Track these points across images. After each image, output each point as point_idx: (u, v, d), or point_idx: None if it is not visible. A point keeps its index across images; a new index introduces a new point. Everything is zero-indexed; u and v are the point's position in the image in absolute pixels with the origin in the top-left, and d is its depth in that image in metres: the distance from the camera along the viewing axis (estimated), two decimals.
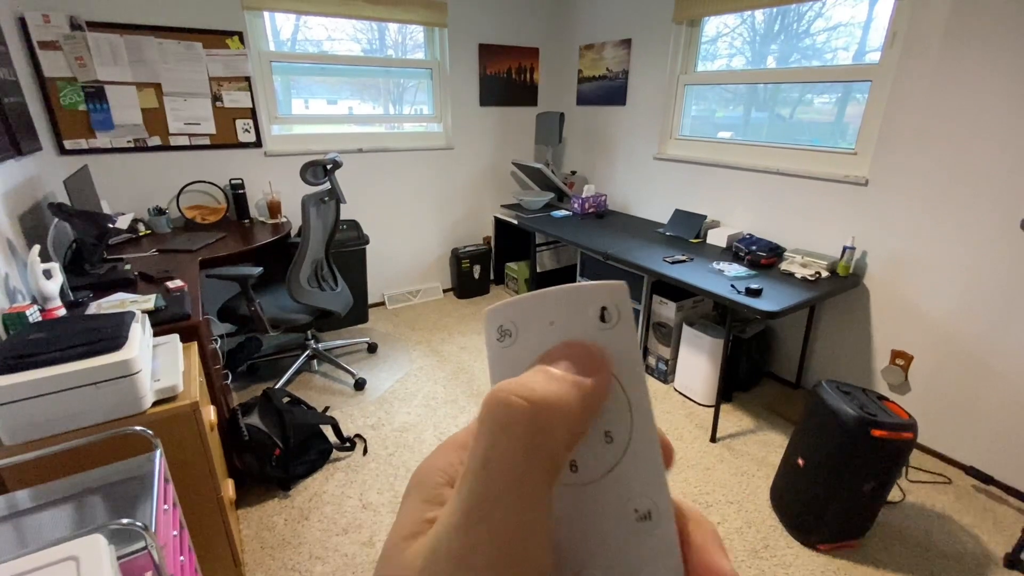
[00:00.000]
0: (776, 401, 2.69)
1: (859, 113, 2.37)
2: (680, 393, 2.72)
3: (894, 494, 2.05)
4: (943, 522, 1.94)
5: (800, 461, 1.82)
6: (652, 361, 2.89)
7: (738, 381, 2.73)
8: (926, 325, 2.24)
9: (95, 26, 2.49)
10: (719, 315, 2.89)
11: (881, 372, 2.42)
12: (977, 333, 2.09)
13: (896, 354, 2.36)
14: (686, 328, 2.60)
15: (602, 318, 0.17)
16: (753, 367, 2.77)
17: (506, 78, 3.88)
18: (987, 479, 2.10)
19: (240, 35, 2.83)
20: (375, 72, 3.53)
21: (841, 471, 1.69)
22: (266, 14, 2.97)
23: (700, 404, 2.62)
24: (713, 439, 2.37)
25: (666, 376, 2.82)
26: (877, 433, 1.61)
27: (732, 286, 2.23)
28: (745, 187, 2.87)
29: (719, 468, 2.20)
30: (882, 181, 2.29)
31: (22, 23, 2.36)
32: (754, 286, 2.16)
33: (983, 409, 2.12)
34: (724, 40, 3.03)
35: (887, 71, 2.22)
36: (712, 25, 3.04)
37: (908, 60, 2.13)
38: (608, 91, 3.67)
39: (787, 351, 2.83)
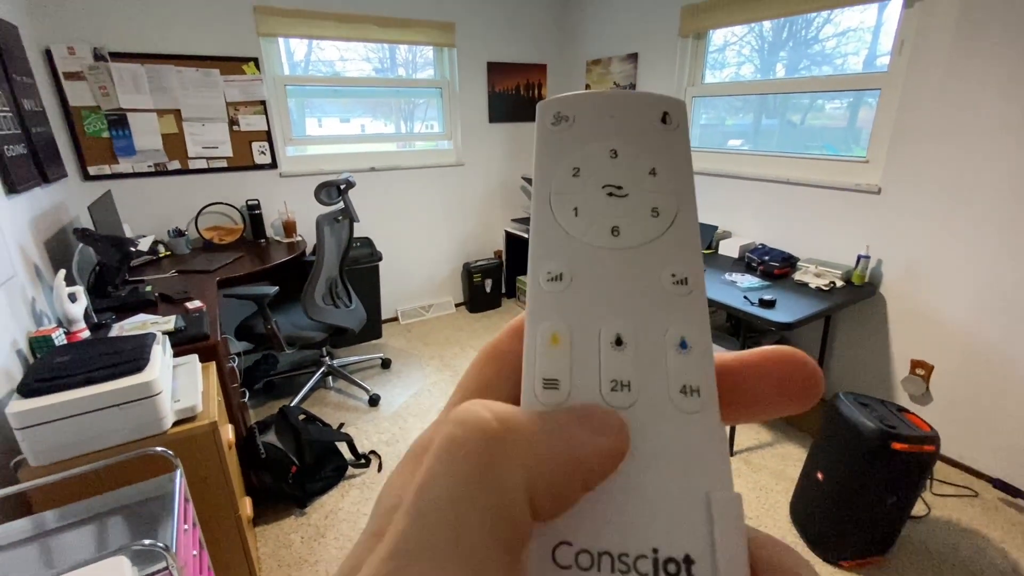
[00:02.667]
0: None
1: (871, 118, 2.35)
2: None
3: (918, 508, 2.00)
4: (970, 537, 1.89)
5: (820, 475, 1.79)
6: None
7: None
8: (945, 334, 2.20)
9: (118, 56, 2.59)
10: (733, 326, 2.86)
11: (901, 382, 2.37)
12: (997, 341, 2.05)
13: (916, 364, 2.31)
14: None
15: (663, 120, 0.17)
16: None
17: (514, 95, 3.93)
18: (1015, 492, 2.04)
19: (256, 61, 2.92)
20: (386, 92, 3.61)
21: (862, 485, 1.66)
22: (280, 40, 3.06)
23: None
24: (730, 453, 2.34)
25: None
26: (897, 446, 1.58)
27: (745, 297, 2.22)
28: (756, 197, 2.87)
29: (737, 483, 2.16)
30: (895, 189, 2.27)
31: (48, 55, 2.46)
32: (767, 297, 2.15)
33: (1008, 419, 2.07)
34: (732, 48, 3.05)
35: (896, 79, 2.21)
36: (719, 35, 3.06)
37: (917, 67, 2.12)
38: None
39: None
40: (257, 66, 2.92)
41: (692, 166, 0.17)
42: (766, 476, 2.20)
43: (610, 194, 0.17)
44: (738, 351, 0.16)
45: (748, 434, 2.47)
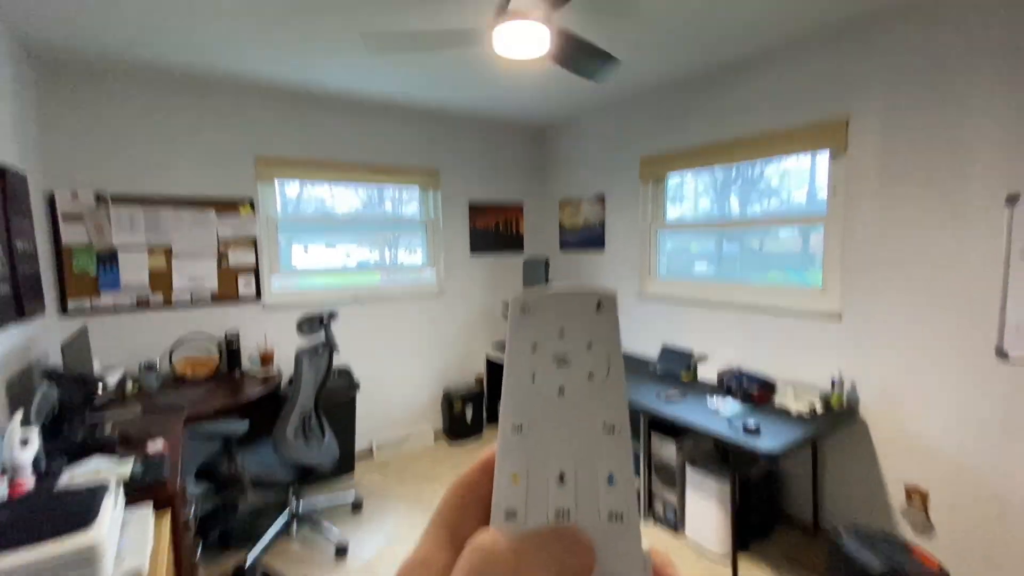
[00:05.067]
0: (796, 550, 2.48)
1: (822, 241, 2.56)
2: (693, 543, 2.51)
3: None
4: None
5: None
6: (660, 508, 2.71)
7: (752, 527, 2.54)
8: (932, 457, 2.18)
9: (119, 200, 2.74)
10: (721, 454, 2.78)
11: (901, 512, 2.28)
12: (985, 464, 2.03)
13: (910, 490, 2.25)
14: (690, 470, 2.49)
15: (597, 308, 0.22)
16: (766, 510, 2.60)
17: (494, 231, 4.21)
18: None
19: (252, 202, 3.11)
20: (375, 229, 3.83)
21: None
22: (277, 182, 3.30)
23: (715, 553, 2.40)
24: None
25: (676, 524, 2.62)
26: None
27: (729, 424, 2.20)
28: (726, 323, 2.98)
29: None
30: (854, 315, 2.41)
31: (51, 199, 2.59)
32: (751, 424, 2.13)
33: (1015, 549, 1.97)
34: (690, 184, 3.39)
35: (835, 217, 2.47)
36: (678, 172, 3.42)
37: (852, 207, 2.38)
38: (588, 238, 3.98)
39: (799, 491, 2.69)
40: (252, 206, 3.11)
41: (620, 341, 0.22)
42: None
43: (558, 363, 0.21)
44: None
45: (751, 573, 2.28)
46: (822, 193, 2.58)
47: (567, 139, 4.13)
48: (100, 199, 2.69)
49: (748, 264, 3.06)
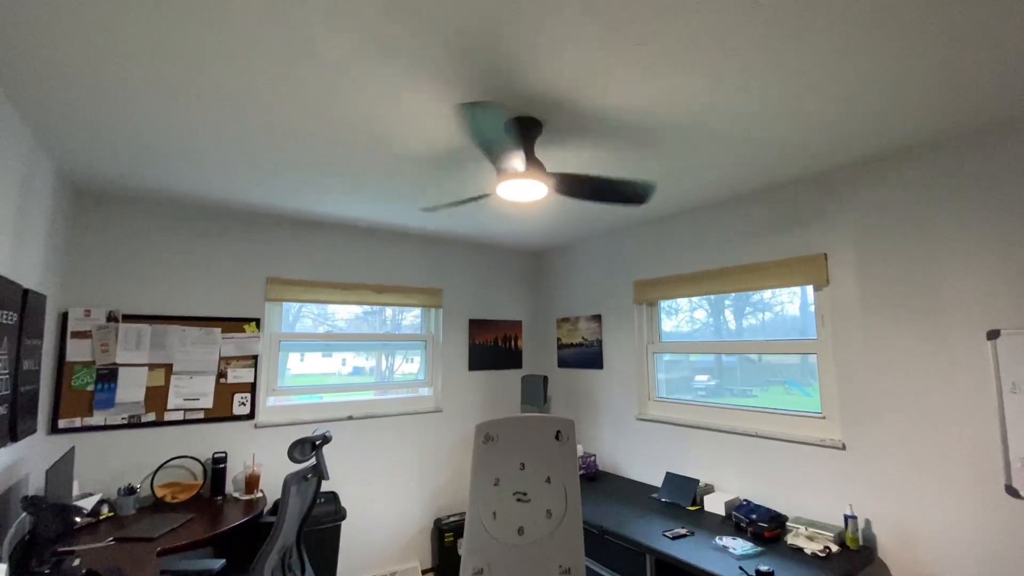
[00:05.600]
0: None
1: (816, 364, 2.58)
2: None
3: None
4: None
5: None
6: None
7: None
8: None
9: (129, 318, 2.83)
10: None
11: None
12: None
13: None
14: None
15: (556, 437, 0.24)
16: None
17: (493, 346, 4.26)
18: None
19: (258, 321, 3.20)
20: (375, 345, 3.89)
21: None
22: (284, 305, 3.42)
23: None
24: None
25: None
26: None
27: (741, 568, 2.05)
28: (730, 448, 2.91)
29: None
30: (858, 445, 2.37)
31: (64, 317, 2.67)
32: (764, 568, 1.99)
33: None
34: (684, 299, 3.50)
35: (826, 346, 2.54)
36: None
37: (840, 336, 2.46)
38: (585, 356, 4.02)
39: None
40: (258, 325, 3.19)
41: (577, 471, 0.27)
42: None
43: (518, 500, 0.25)
44: None
45: None
46: (813, 308, 2.66)
47: (564, 262, 4.35)
48: (111, 317, 2.78)
49: (748, 376, 3.06)
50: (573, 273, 4.24)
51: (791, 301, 2.92)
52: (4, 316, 1.84)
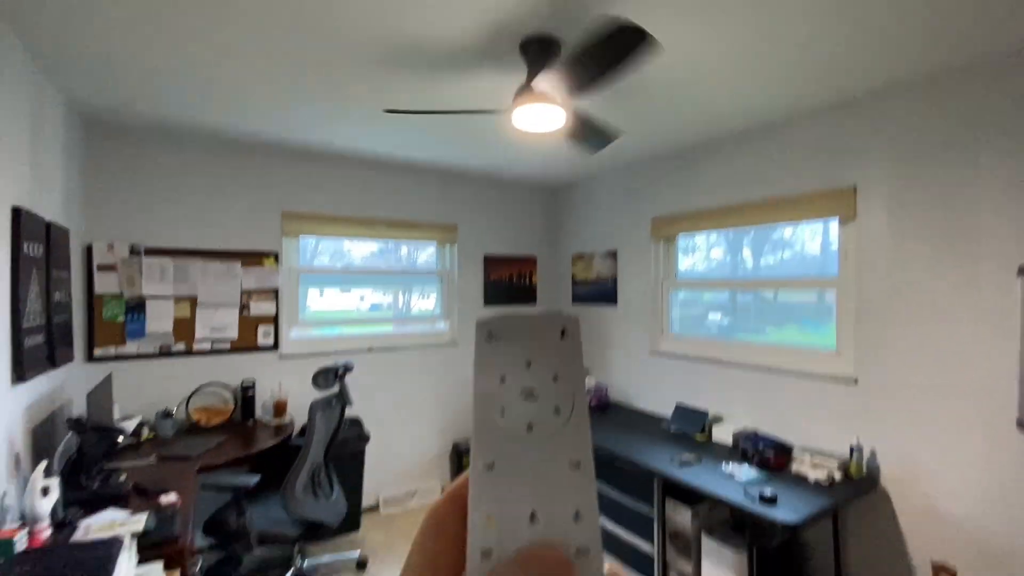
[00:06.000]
0: None
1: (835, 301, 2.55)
2: None
3: None
4: None
5: None
6: None
7: None
8: (959, 532, 2.10)
9: (151, 252, 2.87)
10: (736, 522, 2.70)
11: None
12: (1017, 546, 1.94)
13: (937, 567, 2.15)
14: (706, 539, 2.41)
15: (562, 335, 0.22)
16: None
17: (508, 282, 4.29)
18: None
19: (276, 255, 3.23)
20: (391, 281, 3.94)
21: None
22: (300, 238, 3.44)
23: None
24: None
25: None
26: None
27: (746, 492, 2.15)
28: (742, 382, 2.96)
29: None
30: (870, 380, 2.38)
31: (88, 250, 2.73)
32: (768, 492, 2.08)
33: None
34: (702, 236, 3.44)
35: (847, 282, 2.49)
36: None
37: (863, 272, 2.41)
38: (600, 292, 4.03)
39: (820, 562, 2.57)
40: (276, 259, 3.23)
41: (583, 370, 0.24)
42: None
43: (526, 397, 0.22)
44: None
45: None
46: (836, 246, 2.60)
47: (580, 197, 4.26)
48: (134, 251, 2.83)
49: (763, 315, 3.06)
50: (589, 209, 4.16)
51: (812, 240, 2.84)
52: (30, 248, 1.88)
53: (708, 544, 2.40)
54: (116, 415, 2.60)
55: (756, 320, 3.08)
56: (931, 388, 2.18)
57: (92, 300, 2.73)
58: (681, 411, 3.15)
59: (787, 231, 2.96)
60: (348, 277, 3.86)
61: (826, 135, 2.55)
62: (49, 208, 2.17)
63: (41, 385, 2.03)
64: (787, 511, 1.98)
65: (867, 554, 2.40)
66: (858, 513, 2.42)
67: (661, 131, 2.93)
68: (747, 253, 3.21)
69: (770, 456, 2.45)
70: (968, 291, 2.07)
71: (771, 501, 2.04)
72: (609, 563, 0.21)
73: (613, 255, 3.89)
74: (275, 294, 3.24)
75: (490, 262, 4.19)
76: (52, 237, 2.13)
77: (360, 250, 3.85)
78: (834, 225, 2.59)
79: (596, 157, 3.55)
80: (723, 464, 2.47)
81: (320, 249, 3.71)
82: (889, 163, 2.31)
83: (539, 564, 0.20)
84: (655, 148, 3.28)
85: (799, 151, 2.66)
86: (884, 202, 2.33)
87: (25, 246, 1.81)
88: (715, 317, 3.35)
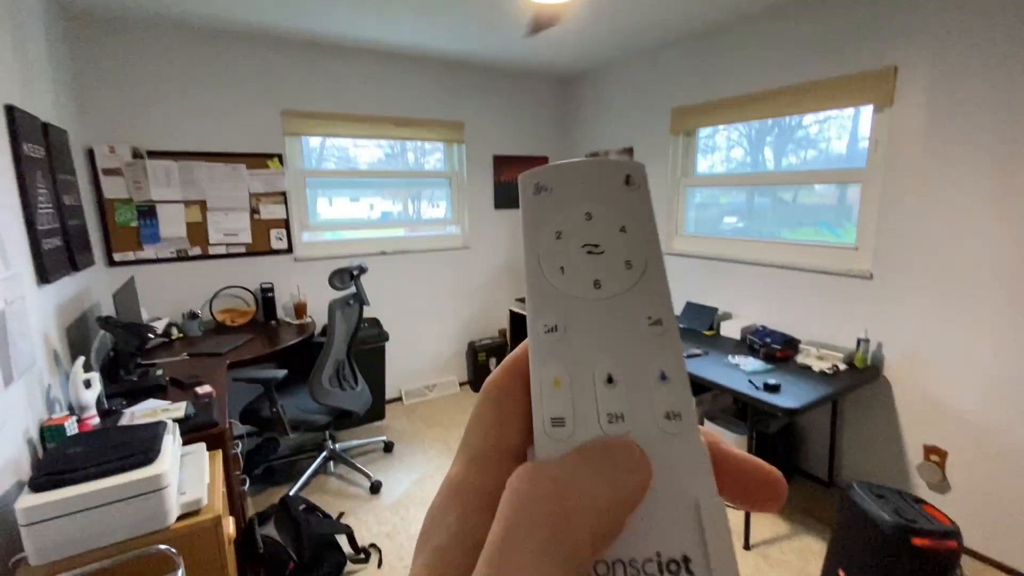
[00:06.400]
0: (810, 502, 2.55)
1: (859, 197, 2.48)
2: None
3: None
4: None
5: (841, 573, 1.71)
6: None
7: None
8: (956, 418, 2.19)
9: (154, 154, 2.81)
10: (739, 409, 2.84)
11: (917, 468, 2.32)
12: (1011, 427, 2.03)
13: (929, 450, 2.27)
14: (708, 424, 2.55)
15: (627, 182, 0.19)
16: (781, 464, 2.67)
17: (518, 183, 4.16)
18: None
19: (280, 156, 3.15)
20: (398, 183, 3.85)
21: None
22: (303, 139, 3.32)
23: (729, 506, 2.50)
24: (747, 546, 2.24)
25: None
26: (919, 542, 1.53)
27: (750, 381, 2.23)
28: (753, 280, 2.96)
29: None
30: (886, 275, 2.36)
31: (91, 154, 2.67)
32: (772, 381, 2.16)
33: None
34: (722, 134, 3.27)
35: (875, 174, 2.37)
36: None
37: (893, 163, 2.28)
38: None
39: (815, 446, 2.74)
40: (281, 161, 3.15)
41: (655, 221, 0.19)
42: (787, 573, 2.09)
43: (589, 252, 0.19)
44: (741, 451, 0.19)
45: (764, 526, 2.37)
46: (863, 143, 2.46)
47: (594, 89, 3.98)
48: (136, 154, 2.76)
49: (780, 218, 2.98)
50: (604, 102, 3.91)
51: (839, 137, 2.66)
52: (31, 149, 1.83)
53: (711, 428, 2.54)
54: (144, 317, 2.71)
55: (772, 223, 3.00)
56: (947, 283, 2.15)
57: (103, 205, 2.73)
58: (690, 308, 3.19)
59: (812, 128, 2.77)
60: (357, 185, 3.78)
61: (866, 10, 2.28)
62: (42, 109, 2.09)
63: (67, 287, 2.09)
64: (789, 398, 2.06)
65: (862, 437, 2.53)
66: (858, 400, 2.52)
67: (683, 3, 2.64)
68: (768, 154, 3.04)
69: (776, 348, 2.51)
70: (1003, 190, 1.96)
71: (774, 389, 2.12)
72: (706, 430, 0.18)
73: (629, 152, 3.72)
74: (283, 197, 3.20)
75: (500, 162, 4.04)
76: (51, 138, 2.07)
77: (367, 156, 3.73)
78: (866, 116, 2.42)
79: (611, 43, 3.26)
80: (729, 356, 2.55)
81: (326, 155, 3.60)
82: (936, 43, 2.08)
83: (611, 459, 0.17)
84: (676, 27, 2.98)
85: (836, 28, 2.40)
86: (924, 88, 2.14)
87: (25, 147, 1.77)
88: (731, 220, 3.27)
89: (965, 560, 2.11)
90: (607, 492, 0.16)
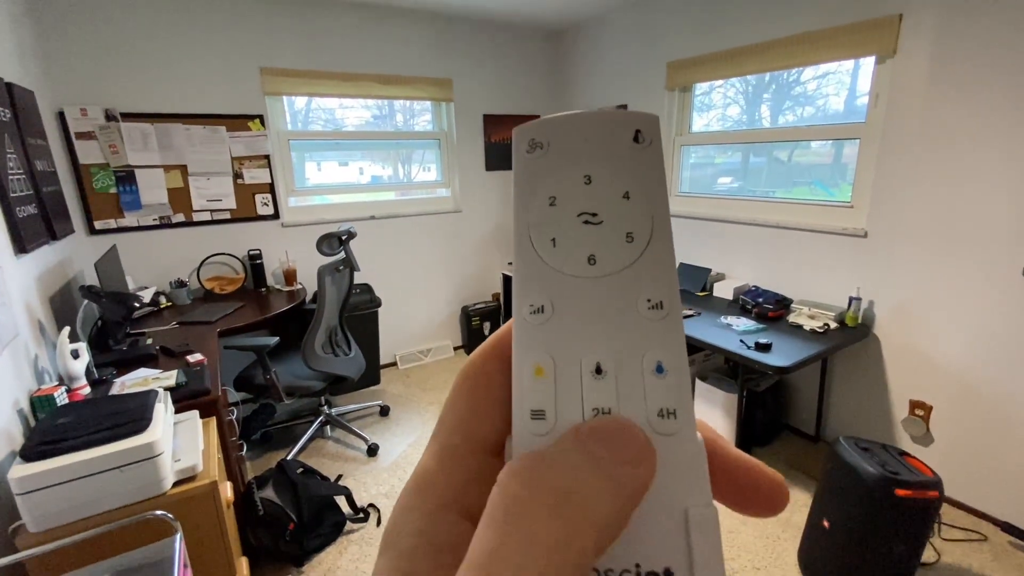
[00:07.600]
0: (797, 456, 2.63)
1: (856, 154, 2.44)
2: None
3: (928, 554, 1.97)
4: None
5: (826, 523, 1.77)
6: None
7: (756, 435, 2.68)
8: (942, 374, 2.22)
9: (128, 117, 2.69)
10: (731, 369, 2.87)
11: (901, 423, 2.37)
12: (995, 381, 2.07)
13: (915, 404, 2.32)
14: (699, 383, 2.59)
15: (636, 139, 0.17)
16: (770, 420, 2.73)
17: (509, 144, 4.04)
18: (1023, 535, 2.02)
19: (261, 117, 3.03)
20: (387, 144, 3.74)
21: (868, 534, 1.64)
22: (284, 97, 3.19)
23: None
24: None
25: None
26: (901, 493, 1.57)
27: (741, 341, 2.24)
28: (747, 240, 2.94)
29: (743, 531, 2.13)
30: (881, 233, 2.34)
31: (61, 117, 2.56)
32: (763, 340, 2.18)
33: (1012, 461, 2.06)
34: (719, 91, 3.19)
35: (874, 129, 2.32)
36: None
37: (893, 117, 2.23)
38: None
39: (804, 403, 2.80)
40: (262, 122, 3.04)
41: (666, 185, 0.17)
42: (772, 524, 2.16)
43: (585, 222, 0.17)
44: (741, 452, 0.18)
45: None
46: (861, 100, 2.40)
47: (587, 43, 3.83)
48: (110, 116, 2.65)
49: (774, 177, 2.94)
50: (596, 57, 3.77)
51: (837, 94, 2.59)
52: None
53: (701, 387, 2.58)
54: (131, 286, 2.66)
55: (767, 184, 2.96)
56: (942, 240, 2.14)
57: (79, 171, 2.63)
58: (684, 269, 3.18)
59: (811, 85, 2.69)
60: (346, 148, 3.67)
61: None
62: (6, 69, 1.98)
63: (47, 256, 2.04)
64: (779, 357, 2.08)
65: (849, 393, 2.58)
66: (847, 357, 2.55)
67: None
68: (765, 111, 2.96)
69: (768, 308, 2.52)
70: (1007, 143, 1.92)
71: (765, 348, 2.14)
72: (704, 425, 0.17)
73: (623, 108, 3.61)
74: (267, 161, 3.10)
75: (490, 122, 3.93)
76: (17, 99, 1.97)
77: (354, 118, 3.60)
78: (865, 71, 2.34)
79: None
80: (721, 317, 2.56)
81: (312, 117, 3.47)
82: None
83: (609, 447, 0.15)
84: None
85: None
86: (929, 38, 2.07)
87: None
88: (725, 181, 3.22)
89: (945, 508, 2.20)
90: (611, 490, 0.14)
